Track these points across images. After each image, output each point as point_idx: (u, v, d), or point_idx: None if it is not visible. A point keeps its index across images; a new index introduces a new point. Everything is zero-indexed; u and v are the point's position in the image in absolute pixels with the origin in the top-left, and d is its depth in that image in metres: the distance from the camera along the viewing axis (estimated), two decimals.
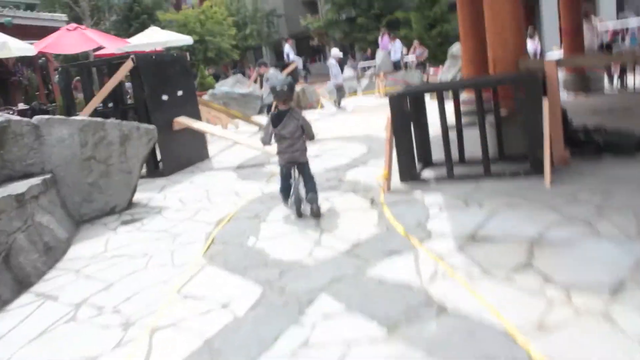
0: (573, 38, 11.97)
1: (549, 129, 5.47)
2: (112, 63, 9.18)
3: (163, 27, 25.03)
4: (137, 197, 7.24)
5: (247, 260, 4.52)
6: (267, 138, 5.50)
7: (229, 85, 25.87)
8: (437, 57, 31.23)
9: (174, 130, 9.08)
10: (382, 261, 4.09)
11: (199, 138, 9.73)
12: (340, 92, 16.56)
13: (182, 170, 9.10)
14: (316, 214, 5.37)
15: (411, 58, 22.16)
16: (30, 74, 20.33)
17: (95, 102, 8.73)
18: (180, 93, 9.37)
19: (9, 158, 6.01)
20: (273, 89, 5.37)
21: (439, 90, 6.09)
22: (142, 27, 24.24)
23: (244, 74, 34.88)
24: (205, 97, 17.30)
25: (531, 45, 19.52)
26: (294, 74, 19.12)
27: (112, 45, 16.03)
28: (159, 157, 8.94)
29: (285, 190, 5.63)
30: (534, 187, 5.35)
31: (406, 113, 6.07)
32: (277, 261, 4.41)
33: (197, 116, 9.87)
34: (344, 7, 37.91)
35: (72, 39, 13.98)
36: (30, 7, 24.54)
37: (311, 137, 5.56)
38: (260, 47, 51.30)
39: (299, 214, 5.47)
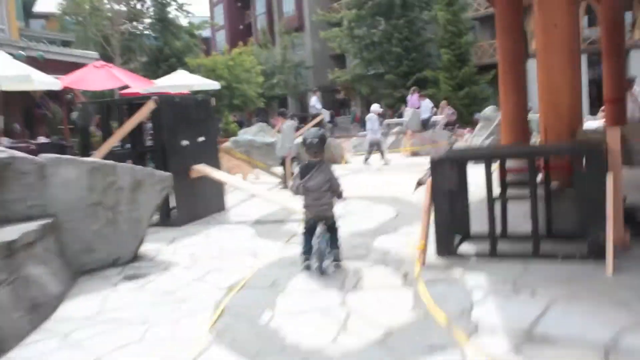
0: (615, 107, 11.39)
1: (612, 208, 4.82)
2: (134, 103, 8.75)
3: (192, 72, 25.05)
4: (145, 248, 6.65)
5: (259, 342, 3.84)
6: (296, 189, 5.39)
7: (252, 133, 25.55)
8: (464, 118, 30.89)
9: (191, 177, 8.55)
10: (422, 359, 3.41)
11: (217, 188, 9.18)
12: (378, 147, 15.61)
13: (197, 221, 8.51)
14: (337, 262, 5.39)
15: (439, 118, 21.67)
16: (56, 109, 20.22)
17: (112, 142, 8.25)
18: (201, 139, 8.88)
19: (9, 198, 5.48)
20: (304, 141, 5.30)
21: (488, 157, 5.46)
22: (171, 70, 24.23)
23: (267, 122, 34.83)
24: (228, 144, 16.91)
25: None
26: (320, 126, 18.75)
27: (137, 85, 15.78)
28: (172, 205, 8.38)
29: (307, 248, 5.40)
30: (594, 274, 4.66)
31: (448, 179, 5.46)
32: (295, 347, 3.73)
33: (217, 164, 9.35)
34: (372, 62, 37.90)
35: (98, 76, 13.75)
36: (66, 44, 24.73)
37: (338, 194, 5.44)
38: (286, 97, 51.50)
39: (321, 272, 5.23)
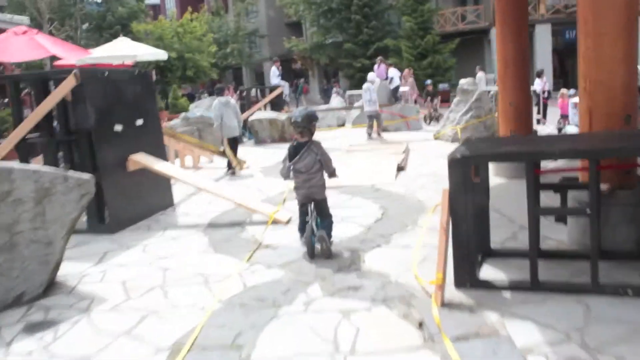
0: None
1: None
2: (52, 78, 6.99)
3: (138, 41, 22.92)
4: (64, 271, 5.05)
5: None
6: (286, 172, 5.17)
7: (204, 107, 23.84)
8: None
9: (128, 170, 6.91)
10: None
11: (162, 180, 7.55)
12: (378, 119, 14.38)
13: (137, 224, 6.91)
14: (326, 253, 5.10)
15: (406, 89, 20.23)
16: None
17: (23, 130, 6.51)
18: (139, 122, 7.21)
19: None
20: (290, 120, 5.16)
21: (530, 156, 3.97)
22: (115, 39, 22.04)
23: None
24: (177, 121, 15.14)
25: (539, 84, 17.81)
26: (278, 101, 17.10)
27: (71, 56, 13.77)
28: (106, 205, 6.73)
29: (303, 229, 5.27)
30: None
31: (472, 186, 4.00)
32: None
33: (161, 152, 7.70)
34: (331, 31, 36.20)
35: (19, 45, 11.66)
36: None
37: (331, 172, 5.27)
38: (240, 67, 49.40)
39: (311, 255, 5.12)
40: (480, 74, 21.61)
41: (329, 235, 5.20)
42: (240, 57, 44.95)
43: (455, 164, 3.94)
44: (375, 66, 20.33)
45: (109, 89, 6.76)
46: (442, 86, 31.00)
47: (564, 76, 35.26)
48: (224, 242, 5.93)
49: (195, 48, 29.03)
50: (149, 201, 7.34)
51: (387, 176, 8.54)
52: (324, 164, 5.13)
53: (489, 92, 14.04)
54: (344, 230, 5.93)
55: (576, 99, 11.98)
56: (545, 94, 17.86)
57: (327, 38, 36.61)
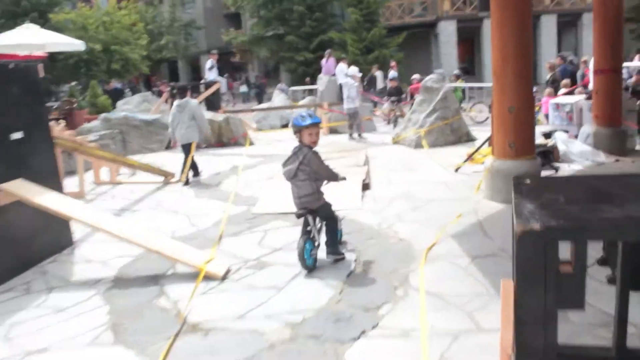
0: (608, 79, 8.72)
1: None
2: None
3: (57, 31, 20.37)
4: None
5: None
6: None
7: (134, 104, 21.60)
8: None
9: None
10: None
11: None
12: (354, 118, 13.22)
13: (11, 280, 4.93)
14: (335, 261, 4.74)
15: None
16: None
17: None
18: (17, 136, 5.20)
19: None
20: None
21: None
22: None
23: (153, 90, 30.42)
24: (96, 123, 12.95)
25: None
26: (215, 98, 15.12)
27: None
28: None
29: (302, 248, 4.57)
30: None
31: (558, 282, 2.26)
32: None
33: (52, 174, 5.70)
34: (272, 22, 34.29)
35: None
36: None
37: (325, 178, 4.75)
38: (176, 60, 46.82)
39: (306, 268, 4.58)
40: (392, 72, 20.16)
41: (335, 243, 4.80)
42: (175, 49, 42.45)
43: (532, 242, 2.19)
44: (324, 60, 18.52)
45: None
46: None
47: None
48: (131, 318, 4.03)
49: (124, 39, 26.52)
50: (34, 244, 5.34)
51: (351, 199, 6.80)
52: (314, 170, 4.61)
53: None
54: (299, 297, 4.15)
55: (560, 100, 10.56)
56: None
57: (268, 30, 34.73)
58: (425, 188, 7.36)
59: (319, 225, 4.81)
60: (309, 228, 4.72)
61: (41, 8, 25.90)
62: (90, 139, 11.39)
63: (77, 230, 6.10)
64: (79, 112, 14.72)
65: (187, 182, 8.91)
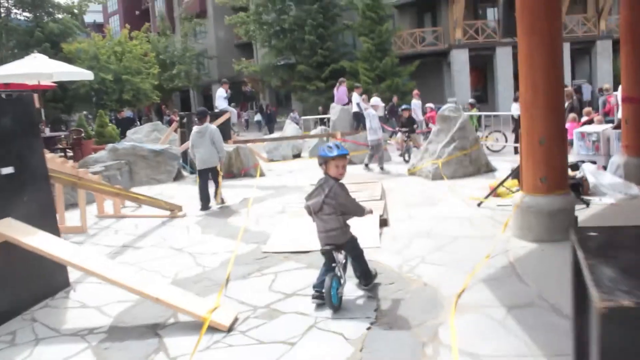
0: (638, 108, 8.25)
1: None
2: None
3: (69, 61, 20.33)
4: None
5: None
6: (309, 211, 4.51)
7: (143, 133, 21.31)
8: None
9: None
10: None
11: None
12: (377, 150, 12.79)
13: None
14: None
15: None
16: None
17: None
18: (7, 171, 4.79)
19: None
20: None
21: None
22: None
23: (163, 120, 30.28)
24: (103, 153, 12.63)
25: (517, 109, 15.99)
26: (225, 128, 14.76)
27: None
28: None
29: (319, 281, 4.41)
30: None
31: None
32: None
33: (47, 211, 5.29)
34: (283, 52, 34.26)
35: None
36: None
37: (354, 212, 4.47)
38: (188, 89, 46.98)
39: (332, 308, 4.26)
40: (415, 101, 19.76)
41: (368, 272, 4.70)
42: (187, 79, 42.63)
43: (623, 322, 1.70)
44: (335, 89, 18.16)
45: None
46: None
47: None
48: None
49: (135, 69, 26.47)
50: (24, 287, 4.90)
51: (368, 237, 6.30)
52: (339, 205, 4.36)
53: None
54: (314, 355, 3.66)
55: (585, 128, 10.08)
56: None
57: (279, 60, 34.68)
58: (448, 225, 6.87)
59: (343, 262, 4.55)
60: (333, 265, 4.43)
61: (54, 38, 25.97)
62: (96, 169, 11.04)
63: (73, 270, 5.66)
64: (87, 141, 14.42)
65: (222, 202, 9.32)
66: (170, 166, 12.85)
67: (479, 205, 7.77)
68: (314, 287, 4.46)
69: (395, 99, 21.87)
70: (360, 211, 4.52)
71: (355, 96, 16.48)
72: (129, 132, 22.14)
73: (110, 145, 12.84)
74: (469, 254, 5.56)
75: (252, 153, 13.65)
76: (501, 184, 7.89)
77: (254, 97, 43.31)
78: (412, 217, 7.49)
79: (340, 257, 4.49)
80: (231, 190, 10.87)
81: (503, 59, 32.23)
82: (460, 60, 32.30)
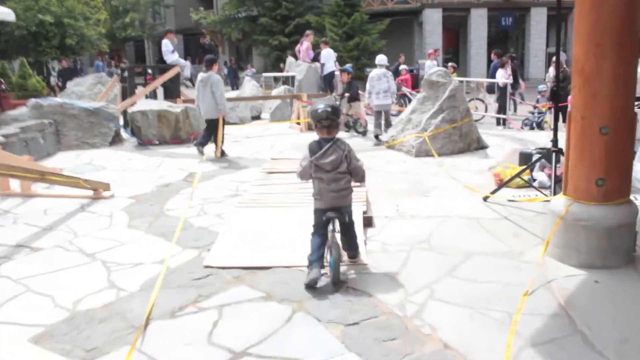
0: None
1: None
2: None
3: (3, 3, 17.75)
4: None
5: None
6: (307, 172, 4.23)
7: (86, 86, 19.04)
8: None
9: None
10: None
11: None
12: (387, 117, 10.89)
13: None
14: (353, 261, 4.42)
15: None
16: None
17: None
18: None
19: None
20: (313, 112, 4.26)
21: None
22: None
23: (111, 71, 27.84)
24: (24, 110, 10.52)
25: (503, 74, 14.44)
26: (173, 85, 12.75)
27: None
28: None
29: (317, 254, 4.10)
30: None
31: None
32: None
33: None
34: (245, 3, 31.91)
35: None
36: None
37: (359, 178, 4.29)
38: (142, 40, 44.09)
39: (336, 280, 4.01)
40: (429, 62, 17.81)
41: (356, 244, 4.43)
42: (141, 28, 39.79)
43: None
44: (299, 45, 16.00)
45: None
46: (369, 71, 27.55)
47: None
48: None
49: (80, 13, 23.85)
50: None
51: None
52: (352, 165, 4.20)
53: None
54: None
55: None
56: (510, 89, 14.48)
57: (241, 11, 32.36)
58: (452, 228, 5.24)
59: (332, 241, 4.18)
60: (330, 231, 4.20)
61: None
62: (9, 131, 9.01)
63: None
64: (8, 95, 12.18)
65: (223, 154, 9.23)
66: (106, 128, 10.86)
67: (485, 199, 6.15)
68: (311, 262, 4.06)
69: (401, 58, 19.62)
70: (364, 173, 4.34)
71: (329, 53, 14.42)
72: (69, 84, 19.77)
73: (32, 101, 10.71)
74: (495, 283, 3.95)
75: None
76: (517, 175, 6.25)
77: (213, 50, 40.81)
78: (402, 213, 5.82)
79: (337, 224, 4.25)
80: (175, 161, 9.05)
81: (478, 21, 30.66)
82: (432, 20, 30.58)
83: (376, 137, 10.69)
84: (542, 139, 10.32)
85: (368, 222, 5.37)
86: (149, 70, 15.95)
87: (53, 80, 24.39)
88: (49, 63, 25.30)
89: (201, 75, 9.18)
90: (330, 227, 4.19)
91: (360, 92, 12.32)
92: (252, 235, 5.05)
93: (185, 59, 19.44)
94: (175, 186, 7.39)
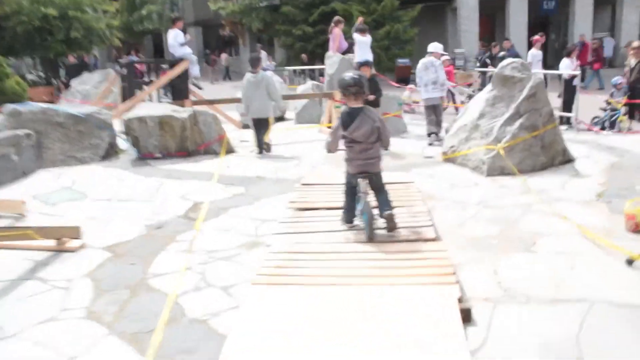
0: None
1: None
2: None
3: None
4: None
5: None
6: (334, 144, 4.72)
7: (92, 84, 17.32)
8: (382, 64, 23.91)
9: None
10: None
11: None
12: (438, 113, 9.41)
13: None
14: (392, 227, 4.55)
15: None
16: None
17: None
18: None
19: None
20: (341, 82, 4.55)
21: None
22: None
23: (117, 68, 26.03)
24: (0, 117, 8.61)
25: (569, 65, 12.21)
26: (181, 84, 10.76)
27: None
28: None
29: (350, 213, 4.72)
30: None
31: None
32: None
33: None
34: None
35: None
36: None
37: (386, 145, 4.72)
38: (160, 33, 42.49)
39: (371, 236, 4.44)
40: (533, 51, 14.65)
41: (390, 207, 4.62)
42: (159, 21, 38.11)
43: None
44: (329, 33, 13.78)
45: None
46: (402, 61, 25.39)
47: None
48: None
49: (87, 5, 22.12)
50: None
51: None
52: (382, 134, 4.58)
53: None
54: None
55: None
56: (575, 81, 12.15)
57: (262, 0, 30.43)
58: (608, 330, 3.16)
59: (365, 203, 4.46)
60: (359, 194, 4.54)
61: None
62: None
63: None
64: None
65: (261, 151, 8.89)
66: (98, 138, 8.91)
67: (630, 263, 4.03)
68: (346, 221, 4.69)
69: (504, 44, 17.11)
70: (389, 140, 4.69)
71: (362, 39, 12.09)
72: (74, 82, 18.17)
73: (9, 107, 8.79)
74: None
75: (215, 120, 9.59)
76: None
77: (233, 41, 38.96)
78: (508, 289, 3.74)
79: (368, 188, 4.52)
80: (176, 184, 7.08)
81: (517, 5, 28.28)
82: (468, 5, 28.22)
83: (429, 135, 9.13)
84: (636, 145, 8.19)
85: (466, 316, 3.30)
86: (163, 65, 13.86)
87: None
88: (59, 60, 23.71)
89: (251, 75, 8.84)
90: (361, 189, 4.45)
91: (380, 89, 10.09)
92: (277, 327, 3.04)
93: (205, 51, 17.54)
94: (172, 227, 5.42)
